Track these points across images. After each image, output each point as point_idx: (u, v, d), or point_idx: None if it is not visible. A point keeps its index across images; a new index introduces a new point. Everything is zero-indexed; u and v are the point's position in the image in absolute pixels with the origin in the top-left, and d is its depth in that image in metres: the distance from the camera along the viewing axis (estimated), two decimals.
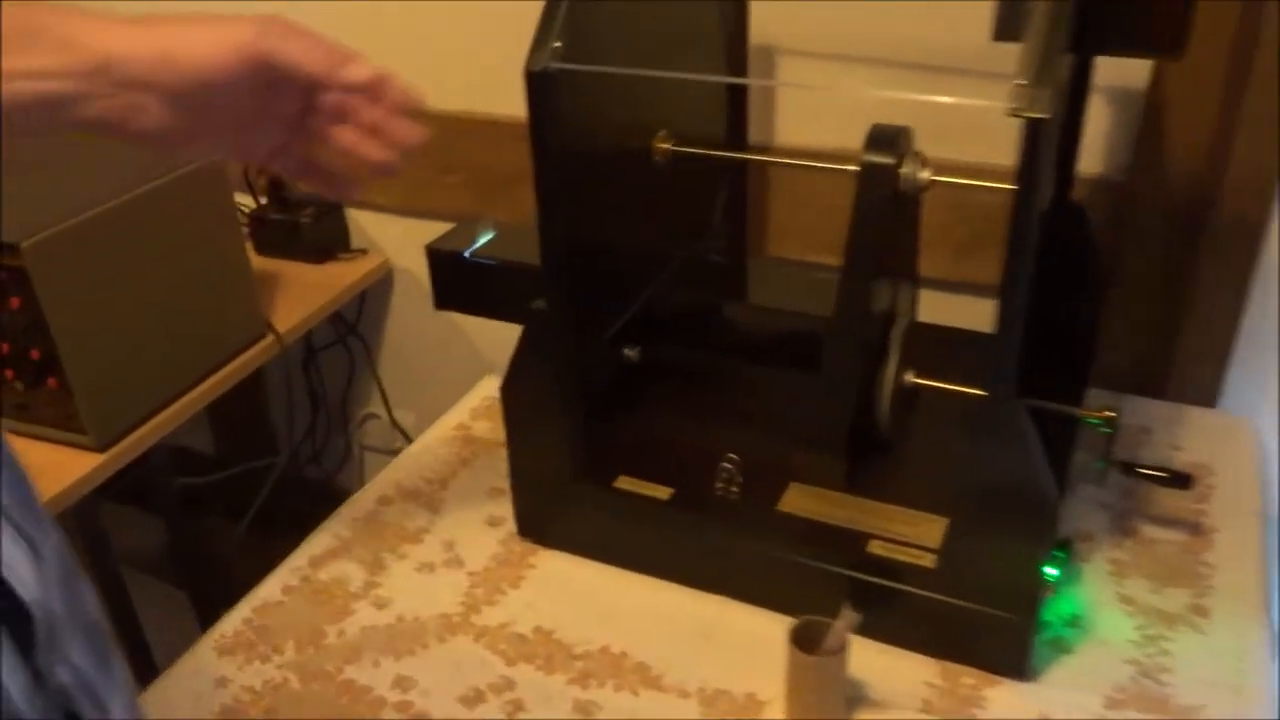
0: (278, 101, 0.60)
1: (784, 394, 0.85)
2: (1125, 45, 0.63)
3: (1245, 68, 0.88)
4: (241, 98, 0.57)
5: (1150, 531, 0.86)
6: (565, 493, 0.83)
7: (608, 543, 0.83)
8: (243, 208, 1.34)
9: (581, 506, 0.83)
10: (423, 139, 0.63)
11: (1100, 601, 0.80)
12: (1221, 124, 0.92)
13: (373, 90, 0.60)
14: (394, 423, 1.48)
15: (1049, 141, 0.55)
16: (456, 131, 1.21)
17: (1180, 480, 0.80)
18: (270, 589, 0.84)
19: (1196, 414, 1.00)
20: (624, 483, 0.82)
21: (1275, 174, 0.91)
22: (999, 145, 1.00)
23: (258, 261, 1.33)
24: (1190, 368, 1.02)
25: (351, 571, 0.86)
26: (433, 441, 1.01)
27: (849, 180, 1.05)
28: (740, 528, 0.78)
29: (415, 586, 0.84)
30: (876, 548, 0.75)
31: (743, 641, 0.77)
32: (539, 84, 0.67)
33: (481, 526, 0.90)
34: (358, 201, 1.34)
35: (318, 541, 0.89)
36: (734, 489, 0.80)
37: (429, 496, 0.93)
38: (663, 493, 0.81)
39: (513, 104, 1.17)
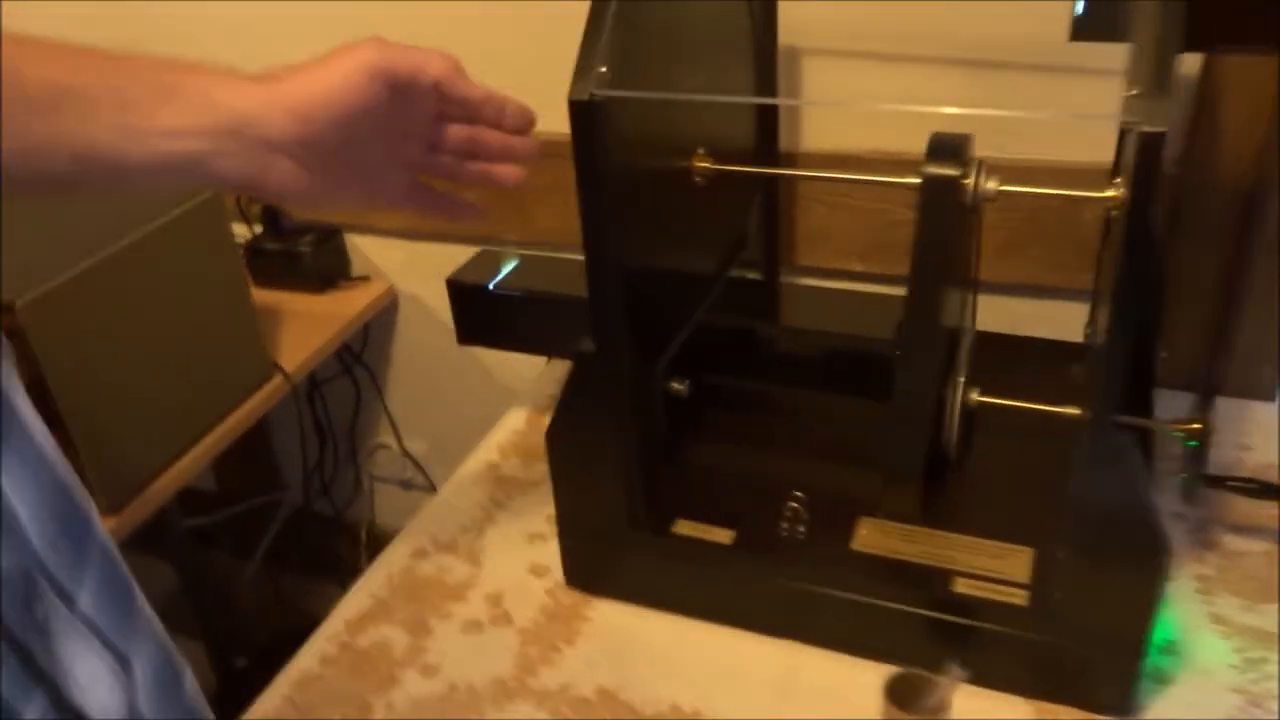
0: (408, 124, 0.60)
1: (845, 422, 0.80)
2: (1238, 41, 0.58)
3: None
4: (375, 128, 0.57)
5: (1232, 542, 0.82)
6: (619, 542, 0.78)
7: (667, 590, 0.78)
8: (238, 240, 1.28)
9: (637, 554, 0.78)
10: (538, 152, 0.67)
11: (1192, 624, 0.75)
12: (1275, 114, 0.87)
13: (494, 110, 0.63)
14: (405, 452, 1.43)
15: (1163, 155, 0.50)
16: None
17: (1272, 491, 0.76)
18: (307, 661, 0.79)
19: (1260, 410, 0.96)
20: (682, 527, 0.77)
21: None
22: (1045, 143, 0.96)
23: (256, 294, 1.26)
24: (1247, 363, 0.98)
25: (393, 636, 0.80)
26: (462, 484, 0.96)
27: (881, 186, 1.01)
28: (812, 571, 0.73)
29: (464, 649, 0.78)
30: (963, 586, 0.70)
31: (822, 693, 0.72)
32: (585, 113, 0.61)
33: (526, 576, 0.84)
34: (359, 226, 1.28)
35: (353, 604, 0.84)
36: (800, 528, 0.76)
37: (466, 547, 0.88)
38: (724, 536, 0.76)
39: None
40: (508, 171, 0.66)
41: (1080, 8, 0.62)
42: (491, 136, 0.64)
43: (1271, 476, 0.89)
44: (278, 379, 1.12)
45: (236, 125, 0.51)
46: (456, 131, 0.63)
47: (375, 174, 0.61)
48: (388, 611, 0.82)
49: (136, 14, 1.13)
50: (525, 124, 0.65)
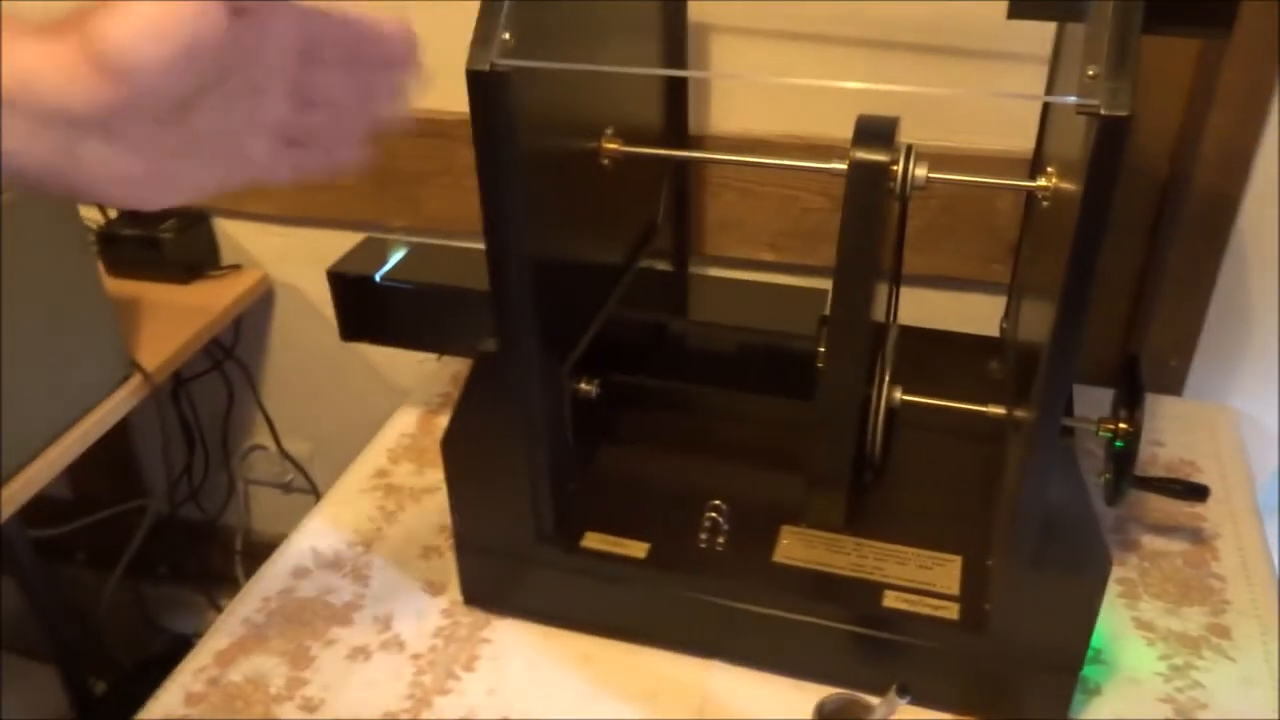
0: (265, 66, 0.42)
1: (767, 423, 0.75)
2: (1180, 24, 0.55)
3: (1219, 47, 0.82)
4: (223, 77, 0.40)
5: (1152, 543, 0.80)
6: (523, 557, 0.71)
7: (577, 608, 0.72)
8: (89, 224, 1.16)
9: (544, 570, 0.71)
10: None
11: (1118, 630, 0.73)
12: (1190, 106, 0.86)
13: (375, 43, 0.45)
14: (283, 454, 1.33)
15: (1126, 142, 0.46)
16: None
17: (1197, 492, 0.75)
18: (171, 699, 0.70)
19: (1171, 404, 0.96)
20: (592, 540, 0.71)
21: (1250, 152, 0.86)
22: (960, 128, 0.93)
23: (112, 285, 1.15)
24: (1157, 357, 0.97)
25: (270, 668, 0.72)
26: (347, 493, 0.88)
27: (795, 171, 0.97)
28: (733, 585, 0.68)
29: (350, 680, 0.71)
30: (891, 599, 0.66)
31: (747, 716, 0.67)
32: (486, 85, 0.54)
33: (419, 595, 0.77)
34: (228, 210, 1.18)
35: (223, 632, 0.75)
36: (720, 539, 0.70)
37: (353, 563, 0.80)
38: (638, 549, 0.70)
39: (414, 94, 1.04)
40: (391, 107, 0.48)
41: None
42: (376, 77, 0.47)
43: (1185, 473, 0.88)
44: (137, 378, 1.02)
45: (12, 94, 0.35)
46: (332, 80, 0.45)
47: (229, 144, 0.44)
48: (263, 639, 0.74)
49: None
50: (411, 47, 0.47)
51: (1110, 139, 0.46)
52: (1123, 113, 0.45)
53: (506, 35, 0.54)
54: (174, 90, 0.38)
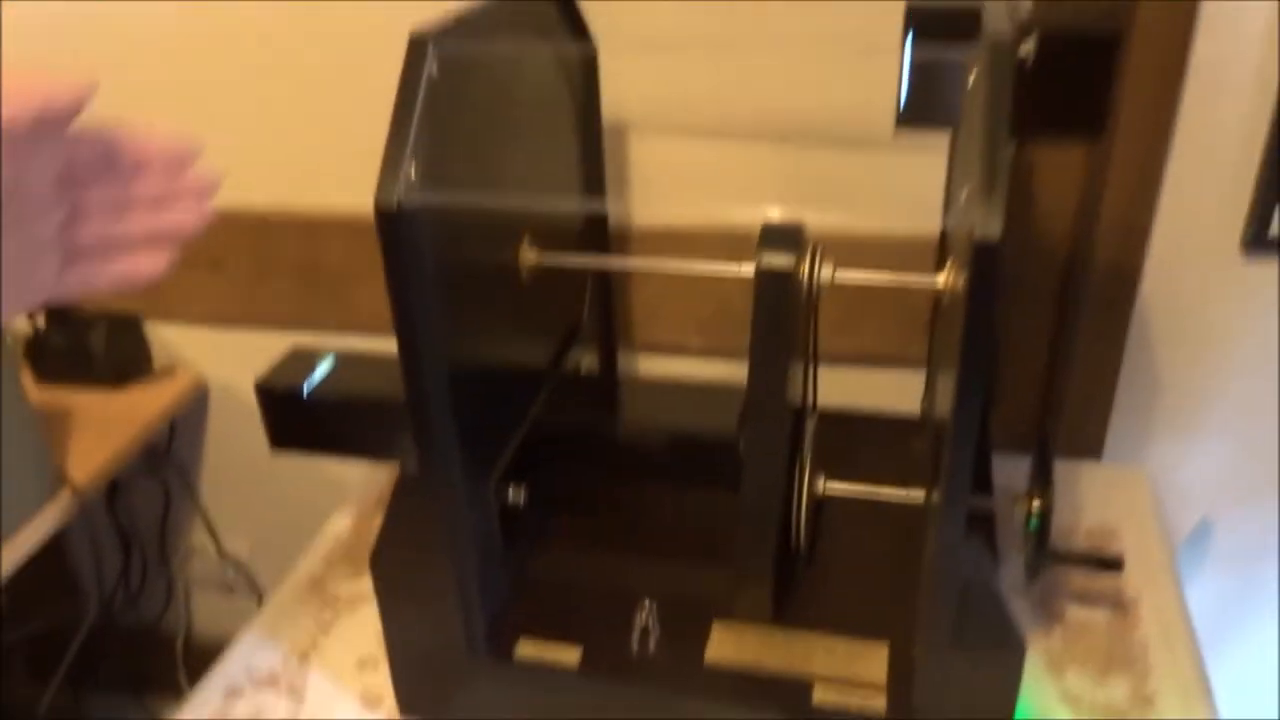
0: (37, 190, 0.43)
1: (694, 517, 0.77)
2: (1053, 132, 0.58)
3: (1112, 125, 0.86)
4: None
5: (1075, 613, 0.82)
6: (457, 668, 0.71)
7: (514, 715, 0.72)
8: (16, 335, 1.15)
9: (478, 680, 0.72)
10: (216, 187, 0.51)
11: (1047, 704, 0.75)
12: (1089, 179, 0.90)
13: (164, 161, 0.48)
14: (223, 554, 1.31)
15: (1000, 257, 0.49)
16: (274, 229, 1.07)
17: (1112, 564, 0.77)
18: None
19: (1089, 470, 0.99)
20: (526, 647, 0.71)
21: (1146, 225, 0.90)
22: (873, 214, 0.97)
23: (41, 395, 1.14)
24: (1075, 422, 1.00)
25: None
26: (283, 604, 0.87)
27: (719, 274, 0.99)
28: (666, 689, 0.68)
29: None
30: (821, 693, 0.67)
31: None
32: (393, 222, 0.56)
33: (356, 708, 0.77)
34: (160, 314, 1.18)
35: None
36: (651, 641, 0.71)
37: (288, 680, 0.80)
38: (571, 655, 0.70)
39: (336, 193, 1.06)
40: (186, 216, 0.49)
41: (903, 98, 0.61)
42: (152, 186, 0.48)
43: (1105, 539, 0.90)
44: (68, 491, 1.00)
45: None
46: (100, 196, 0.47)
47: (14, 270, 0.44)
48: None
49: (135, 13, 1.01)
50: (185, 156, 0.49)
51: (985, 257, 0.49)
52: (993, 235, 0.48)
53: (412, 173, 0.56)
54: None
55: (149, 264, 0.49)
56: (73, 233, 0.46)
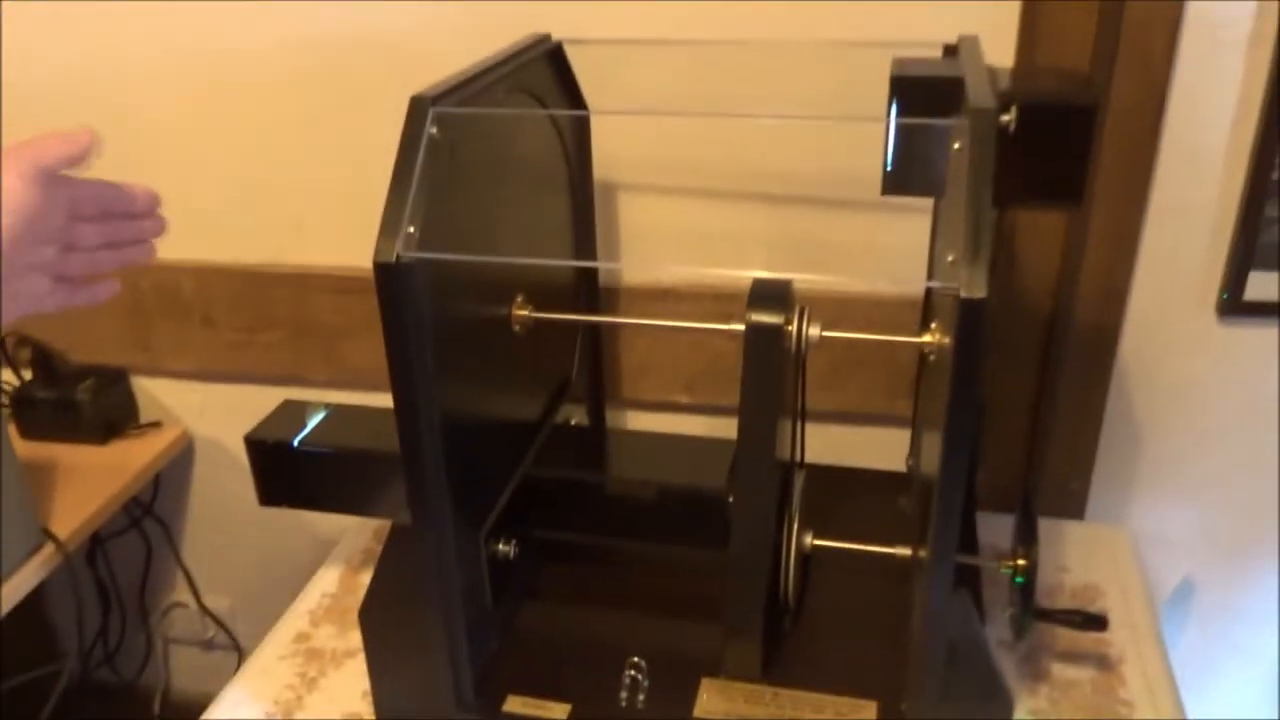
0: (48, 227, 0.58)
1: (683, 573, 0.77)
2: (1034, 199, 0.60)
3: (1089, 193, 0.88)
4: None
5: (1062, 672, 0.83)
6: None
7: None
8: (3, 387, 1.15)
9: None
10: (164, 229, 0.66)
11: None
12: (1069, 244, 0.92)
13: (126, 203, 0.63)
14: (204, 610, 1.30)
15: (985, 317, 0.50)
16: (265, 284, 1.08)
17: (1096, 623, 0.77)
18: None
19: (1073, 529, 0.99)
20: (514, 704, 0.71)
21: (1124, 286, 0.92)
22: (860, 272, 0.98)
23: (26, 449, 1.14)
24: (1057, 482, 1.01)
25: None
26: (268, 660, 0.86)
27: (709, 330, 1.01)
28: None
29: None
30: None
31: None
32: (392, 276, 0.57)
33: None
34: (146, 368, 1.18)
35: None
36: (640, 697, 0.71)
37: None
38: (560, 712, 0.70)
39: (329, 251, 1.07)
40: (141, 252, 0.65)
41: (889, 164, 0.63)
42: (126, 227, 0.63)
43: (1089, 598, 0.91)
44: (50, 547, 1.00)
45: None
46: (90, 231, 0.61)
47: (23, 283, 0.59)
48: None
49: (134, 13, 1.02)
50: (153, 205, 0.64)
51: (970, 317, 0.50)
52: (979, 295, 0.50)
53: (411, 229, 0.57)
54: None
55: (105, 290, 0.65)
56: (65, 259, 0.61)
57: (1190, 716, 0.79)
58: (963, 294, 0.50)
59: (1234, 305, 0.91)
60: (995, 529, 0.86)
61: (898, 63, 0.66)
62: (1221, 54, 0.83)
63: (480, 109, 0.65)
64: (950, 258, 0.50)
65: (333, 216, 1.05)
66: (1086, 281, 0.92)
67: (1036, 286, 0.95)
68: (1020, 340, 0.97)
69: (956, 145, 0.53)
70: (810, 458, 0.83)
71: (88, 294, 0.64)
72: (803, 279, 0.69)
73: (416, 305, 0.58)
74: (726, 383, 1.05)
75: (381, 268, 0.57)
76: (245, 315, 1.10)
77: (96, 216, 0.62)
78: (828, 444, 1.01)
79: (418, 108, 0.60)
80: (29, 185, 0.55)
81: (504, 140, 0.72)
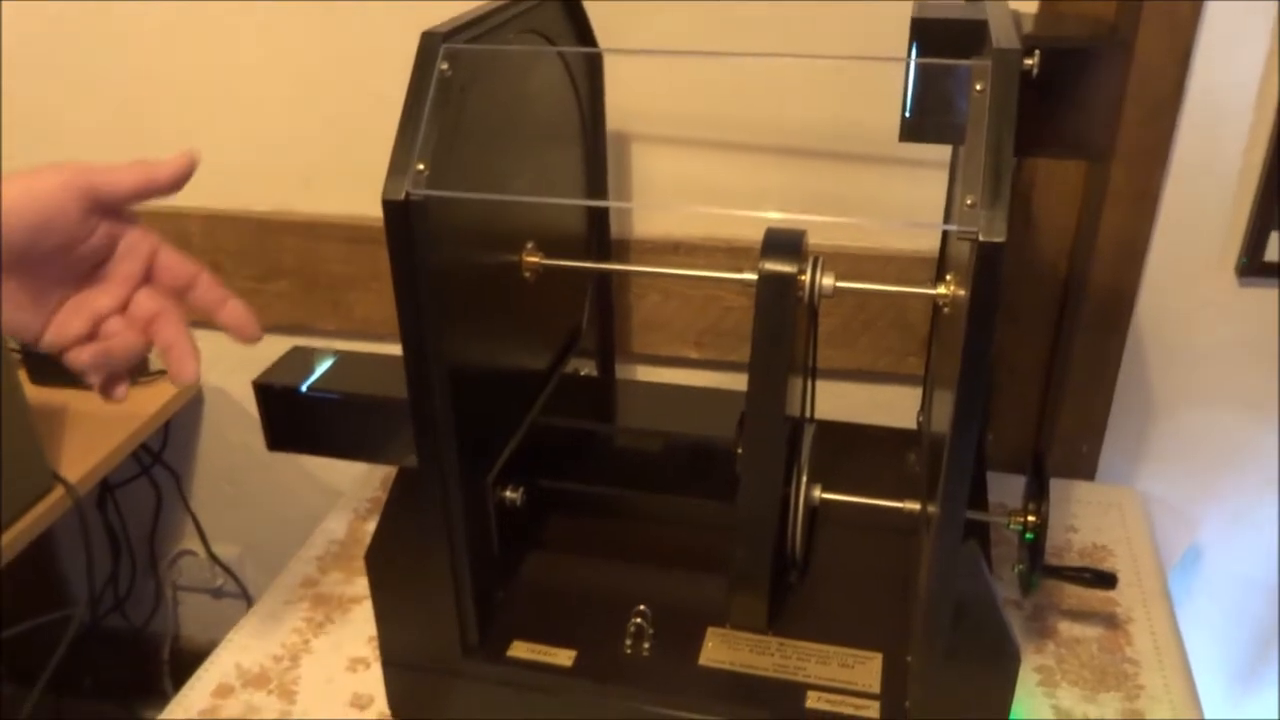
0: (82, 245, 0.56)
1: (690, 525, 0.77)
2: (1054, 149, 0.59)
3: (1107, 149, 0.87)
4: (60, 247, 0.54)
5: (1068, 629, 0.82)
6: (450, 669, 0.71)
7: (506, 718, 0.72)
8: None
9: (471, 682, 0.71)
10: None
11: (1037, 718, 0.75)
12: (1087, 201, 0.91)
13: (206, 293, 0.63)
14: (213, 558, 1.31)
15: (1002, 263, 0.49)
16: (274, 233, 1.07)
17: (1106, 580, 0.77)
18: None
19: (1083, 489, 0.99)
20: (519, 649, 0.71)
21: (1142, 248, 0.91)
22: (872, 231, 0.97)
23: (36, 394, 1.14)
24: (1068, 443, 1.01)
25: None
26: (274, 605, 0.87)
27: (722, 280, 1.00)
28: (659, 691, 0.68)
29: None
30: (814, 700, 0.67)
31: None
32: (401, 214, 0.56)
33: (347, 710, 0.76)
34: None
35: None
36: (645, 645, 0.71)
37: (279, 679, 0.79)
38: (565, 658, 0.70)
39: (338, 201, 1.06)
40: (182, 361, 0.62)
41: (908, 111, 0.62)
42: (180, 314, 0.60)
43: (1098, 558, 0.91)
44: (60, 490, 1.00)
45: None
46: (147, 299, 0.59)
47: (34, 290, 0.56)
48: None
49: (132, 13, 1.02)
50: (248, 330, 0.64)
51: (988, 262, 0.49)
52: (998, 239, 0.49)
53: (421, 166, 0.56)
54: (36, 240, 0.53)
55: (122, 391, 0.62)
56: (84, 295, 0.57)
57: (1197, 681, 0.79)
58: (981, 237, 0.49)
59: (1254, 266, 0.90)
60: (1005, 490, 0.85)
61: (919, 5, 0.64)
62: (1251, 11, 0.81)
63: (492, 45, 0.64)
64: (969, 200, 0.49)
65: (341, 165, 1.04)
66: (1104, 241, 0.90)
67: (1052, 245, 0.94)
68: (1035, 300, 0.96)
69: (979, 87, 0.52)
70: (818, 415, 0.83)
71: (112, 383, 0.61)
72: (817, 221, 0.67)
73: (426, 244, 0.57)
74: (735, 339, 1.04)
75: (391, 205, 0.56)
76: (254, 264, 1.10)
77: (164, 285, 0.59)
78: (835, 401, 1.00)
79: (428, 44, 0.59)
80: (56, 192, 0.53)
81: (516, 83, 0.71)
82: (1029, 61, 0.57)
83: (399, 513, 0.67)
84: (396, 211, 0.56)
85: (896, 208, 0.95)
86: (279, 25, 0.99)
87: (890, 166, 0.93)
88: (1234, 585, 1.06)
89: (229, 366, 1.19)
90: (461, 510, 0.65)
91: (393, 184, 0.56)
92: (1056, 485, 0.98)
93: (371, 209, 0.57)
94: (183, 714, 0.76)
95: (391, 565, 0.69)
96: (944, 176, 0.88)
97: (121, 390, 0.61)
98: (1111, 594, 0.85)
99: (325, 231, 1.06)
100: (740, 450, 0.70)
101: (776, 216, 0.63)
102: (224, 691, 0.78)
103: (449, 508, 0.65)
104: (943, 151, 0.86)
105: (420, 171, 0.56)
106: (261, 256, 1.09)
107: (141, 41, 1.03)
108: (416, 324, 0.60)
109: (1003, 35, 0.54)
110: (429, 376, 0.61)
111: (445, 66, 0.58)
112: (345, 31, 0.98)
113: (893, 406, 1.02)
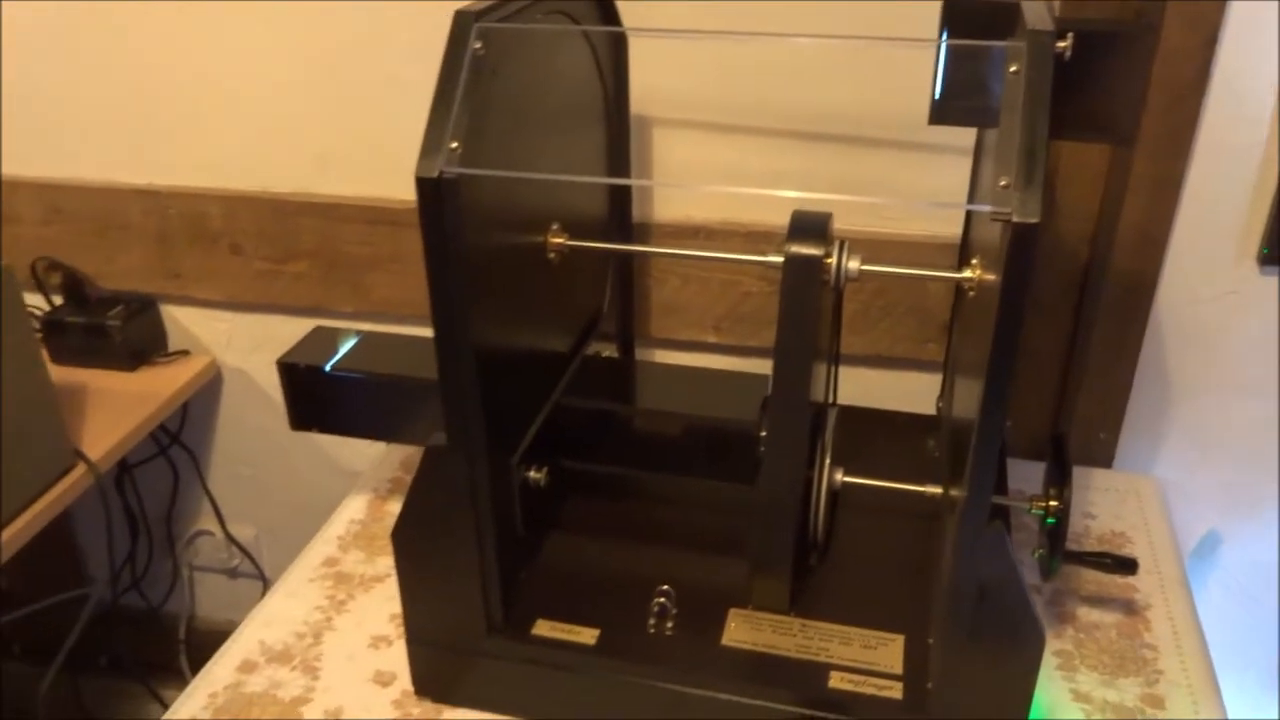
0: None
1: (712, 506, 0.77)
2: (1083, 132, 0.59)
3: (1132, 133, 0.87)
4: None
5: (1087, 615, 0.83)
6: (474, 647, 0.71)
7: (529, 697, 0.72)
8: (34, 311, 1.15)
9: (494, 659, 0.72)
10: None
11: (1057, 702, 0.75)
12: (1109, 187, 0.91)
13: None
14: (230, 539, 1.31)
15: (1036, 244, 0.50)
16: (293, 214, 1.08)
17: (1126, 566, 0.77)
18: None
19: (1101, 476, 0.99)
20: (543, 628, 0.71)
21: (1163, 236, 0.90)
22: (894, 217, 0.97)
23: (57, 373, 1.14)
24: (1086, 430, 1.01)
25: None
26: (296, 583, 0.87)
27: (746, 263, 1.00)
28: (682, 670, 0.69)
29: None
30: (837, 680, 0.68)
31: None
32: (434, 191, 0.57)
33: (370, 687, 0.77)
34: (176, 297, 1.18)
35: None
36: (668, 624, 0.71)
37: (302, 656, 0.80)
38: (588, 636, 0.71)
39: (353, 182, 1.06)
40: None
41: (938, 93, 0.62)
42: None
43: (1116, 545, 0.91)
44: (81, 468, 1.01)
45: None
46: None
47: None
48: None
49: (132, 13, 1.02)
50: None
51: (1022, 243, 0.49)
52: (1033, 220, 0.49)
53: (454, 144, 0.57)
54: None
55: None
56: None
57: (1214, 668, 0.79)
58: (1015, 218, 0.49)
59: (1276, 256, 0.89)
60: (1022, 476, 0.85)
61: None
62: None
63: (524, 25, 0.64)
64: (1003, 182, 0.49)
65: (362, 146, 1.05)
66: (1125, 227, 0.90)
67: (1074, 231, 0.94)
68: (1055, 286, 0.96)
69: (1013, 68, 0.52)
70: (842, 402, 0.83)
71: None
72: (842, 200, 0.67)
73: (457, 221, 0.58)
74: (754, 324, 1.05)
75: (424, 182, 0.56)
76: (273, 245, 1.10)
77: None
78: (853, 387, 1.00)
79: (462, 23, 0.59)
80: None
81: (544, 64, 0.71)
82: (1062, 44, 0.57)
83: (426, 491, 0.67)
84: (430, 189, 0.57)
85: (917, 193, 0.95)
86: (293, 6, 0.99)
87: (912, 152, 0.93)
88: (1252, 572, 1.06)
89: (247, 348, 1.19)
90: (488, 490, 0.66)
91: (426, 161, 0.56)
92: (1075, 473, 0.98)
93: (387, 190, 0.57)
94: (208, 688, 0.77)
95: (417, 544, 0.69)
96: (965, 162, 0.88)
97: None
98: (1130, 580, 0.85)
99: (344, 213, 1.07)
100: (764, 433, 0.70)
101: (803, 196, 0.62)
102: (248, 667, 0.79)
103: (476, 487, 0.65)
104: (965, 138, 0.86)
105: (454, 149, 0.56)
106: (281, 238, 1.09)
107: (156, 24, 1.03)
108: (447, 302, 0.60)
109: (1037, 16, 0.54)
110: (459, 355, 0.62)
111: (479, 45, 0.58)
112: (359, 11, 0.98)
113: (910, 392, 1.02)
